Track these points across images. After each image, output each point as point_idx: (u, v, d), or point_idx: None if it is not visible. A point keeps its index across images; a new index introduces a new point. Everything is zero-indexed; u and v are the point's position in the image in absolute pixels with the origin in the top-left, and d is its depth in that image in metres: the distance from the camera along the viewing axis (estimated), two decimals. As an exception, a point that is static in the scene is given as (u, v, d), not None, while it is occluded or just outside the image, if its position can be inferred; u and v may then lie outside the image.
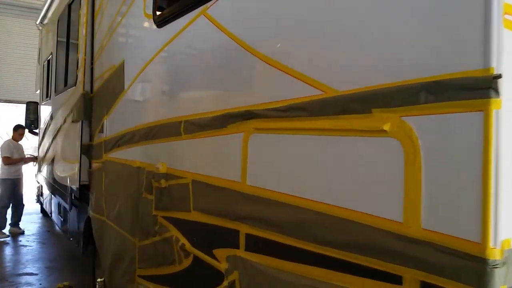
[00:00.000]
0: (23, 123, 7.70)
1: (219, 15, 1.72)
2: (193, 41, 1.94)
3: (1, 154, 6.99)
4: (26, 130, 7.67)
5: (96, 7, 3.75)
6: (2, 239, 6.67)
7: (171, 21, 2.16)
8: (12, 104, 13.36)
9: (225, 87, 1.69)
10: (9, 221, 7.09)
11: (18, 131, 7.29)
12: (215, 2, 1.74)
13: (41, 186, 8.15)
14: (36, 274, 5.21)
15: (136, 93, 2.67)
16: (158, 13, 2.32)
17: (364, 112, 1.02)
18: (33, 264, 5.61)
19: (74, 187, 3.97)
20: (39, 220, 8.47)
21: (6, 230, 6.96)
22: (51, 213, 6.49)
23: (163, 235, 2.22)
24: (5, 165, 7.04)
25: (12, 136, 7.28)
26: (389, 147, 0.95)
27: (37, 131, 7.94)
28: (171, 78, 2.20)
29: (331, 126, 1.12)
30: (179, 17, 2.07)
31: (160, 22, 2.28)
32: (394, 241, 0.95)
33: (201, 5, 1.85)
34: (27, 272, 5.28)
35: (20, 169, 7.24)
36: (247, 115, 1.50)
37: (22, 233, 7.09)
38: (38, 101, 8.00)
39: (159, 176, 2.23)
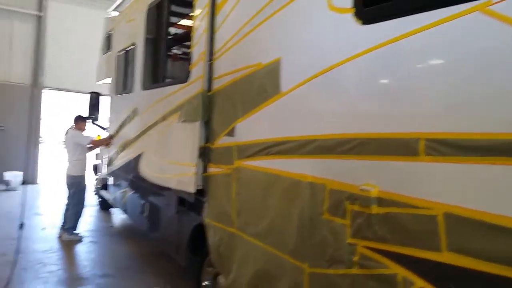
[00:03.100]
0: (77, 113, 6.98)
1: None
2: (457, 43, 1.58)
3: (79, 142, 6.42)
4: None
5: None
6: (74, 238, 6.28)
7: (398, 17, 1.81)
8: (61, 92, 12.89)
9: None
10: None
11: (83, 121, 6.80)
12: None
13: (103, 179, 7.93)
14: (112, 276, 4.94)
15: (313, 99, 2.32)
16: (366, 7, 1.97)
17: None
18: (107, 264, 5.37)
19: (187, 191, 3.66)
20: (96, 214, 8.26)
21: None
22: (126, 210, 6.23)
23: (371, 269, 1.89)
24: (91, 150, 6.77)
25: (78, 126, 6.74)
26: None
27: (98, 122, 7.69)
28: (395, 86, 1.84)
29: None
30: (417, 13, 1.72)
31: (373, 18, 1.93)
32: None
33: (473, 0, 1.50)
34: (105, 273, 5.02)
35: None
36: None
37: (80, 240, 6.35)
38: (100, 92, 7.75)
39: (368, 201, 1.89)
